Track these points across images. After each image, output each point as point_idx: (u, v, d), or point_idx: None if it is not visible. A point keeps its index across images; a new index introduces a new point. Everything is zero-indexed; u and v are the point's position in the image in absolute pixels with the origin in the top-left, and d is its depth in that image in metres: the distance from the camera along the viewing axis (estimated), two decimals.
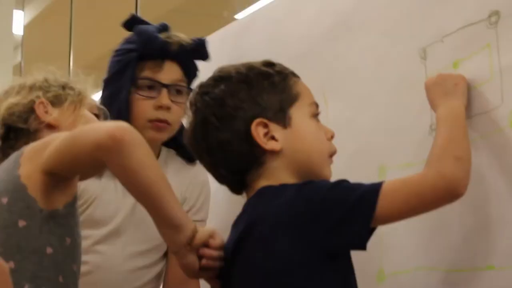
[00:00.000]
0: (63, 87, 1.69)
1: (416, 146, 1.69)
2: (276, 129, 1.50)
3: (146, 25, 2.06)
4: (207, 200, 2.13)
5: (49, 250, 1.44)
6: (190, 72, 2.07)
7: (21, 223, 1.42)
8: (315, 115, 1.56)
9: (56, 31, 7.22)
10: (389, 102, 1.77)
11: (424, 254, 1.64)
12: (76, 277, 1.50)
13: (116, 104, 1.97)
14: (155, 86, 2.00)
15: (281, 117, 1.51)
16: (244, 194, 1.56)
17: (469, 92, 1.57)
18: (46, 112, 1.64)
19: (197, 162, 2.02)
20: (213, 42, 2.39)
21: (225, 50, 2.32)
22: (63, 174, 1.47)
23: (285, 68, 1.58)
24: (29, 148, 1.50)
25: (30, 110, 1.64)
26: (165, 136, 2.02)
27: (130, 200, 1.90)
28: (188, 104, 1.59)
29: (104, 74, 2.10)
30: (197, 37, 2.07)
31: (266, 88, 1.53)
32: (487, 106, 1.54)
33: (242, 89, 1.52)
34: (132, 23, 2.07)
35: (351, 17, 1.91)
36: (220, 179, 1.57)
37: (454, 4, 1.64)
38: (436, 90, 1.57)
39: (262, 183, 1.50)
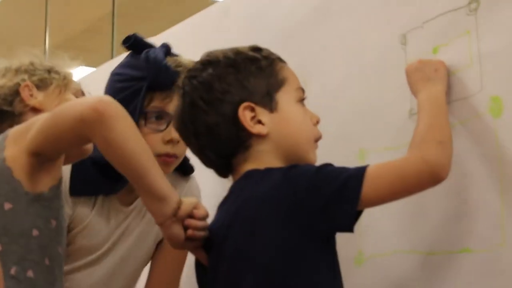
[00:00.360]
0: (49, 71, 1.70)
1: (395, 130, 1.71)
2: (262, 113, 1.52)
3: (150, 48, 1.95)
4: None
5: (35, 232, 1.44)
6: None
7: (7, 206, 1.43)
8: (301, 100, 1.58)
9: (31, 8, 7.17)
10: (369, 86, 1.79)
11: (402, 238, 1.67)
12: (61, 260, 1.51)
13: None
14: (164, 117, 1.89)
15: (268, 102, 1.53)
16: (230, 177, 1.58)
17: (449, 78, 1.59)
18: (31, 95, 1.66)
19: (191, 176, 2.04)
20: (192, 25, 2.40)
21: (204, 33, 2.33)
22: (48, 153, 1.47)
23: (272, 53, 1.60)
24: (13, 131, 1.50)
25: (15, 93, 1.66)
26: (172, 169, 1.93)
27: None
28: (176, 88, 1.61)
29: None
30: None
31: (254, 72, 1.54)
32: (466, 92, 1.57)
33: (230, 73, 1.54)
34: (135, 44, 1.96)
35: (331, 1, 1.92)
36: (207, 162, 1.59)
37: None
38: (416, 75, 1.59)
39: (248, 166, 1.52)
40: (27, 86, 1.66)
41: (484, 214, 1.50)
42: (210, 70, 1.55)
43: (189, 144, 1.60)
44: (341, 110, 1.83)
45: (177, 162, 1.92)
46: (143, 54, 1.90)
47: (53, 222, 1.48)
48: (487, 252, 1.49)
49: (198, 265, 1.58)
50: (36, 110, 1.65)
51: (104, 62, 2.98)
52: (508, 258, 1.45)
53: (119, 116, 1.41)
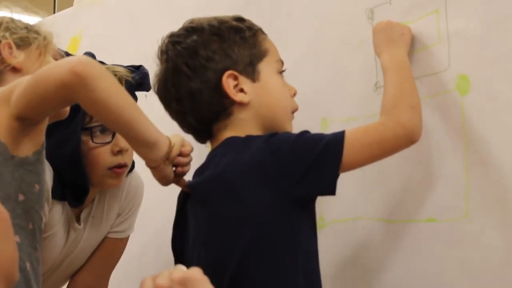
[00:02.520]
0: (28, 29, 1.66)
1: (360, 102, 1.77)
2: (245, 82, 1.56)
3: None
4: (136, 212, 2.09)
5: (21, 197, 1.44)
6: None
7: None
8: (281, 72, 1.63)
9: None
10: (334, 57, 1.84)
11: (365, 204, 1.74)
12: (41, 223, 1.51)
13: (67, 153, 1.82)
14: (108, 129, 1.83)
15: (250, 71, 1.57)
16: (208, 144, 1.62)
17: (417, 53, 1.66)
18: (11, 54, 1.62)
19: (132, 173, 2.00)
20: None
21: None
22: (32, 117, 1.46)
23: (254, 24, 1.64)
24: None
25: None
26: (123, 179, 1.90)
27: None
28: (158, 52, 1.62)
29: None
30: (132, 66, 1.94)
31: (238, 42, 1.58)
32: (434, 69, 1.64)
33: (214, 41, 1.57)
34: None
35: None
36: (187, 127, 1.61)
37: None
38: (382, 36, 1.66)
39: (228, 133, 1.56)
40: (8, 44, 1.62)
41: (449, 185, 1.59)
42: (194, 37, 1.58)
43: (169, 108, 1.62)
44: (303, 79, 1.87)
45: (127, 171, 1.91)
46: None
47: (37, 187, 1.48)
48: (451, 221, 1.58)
49: (177, 226, 1.63)
50: (15, 70, 1.62)
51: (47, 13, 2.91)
52: (471, 229, 1.54)
53: (100, 75, 1.40)
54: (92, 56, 1.93)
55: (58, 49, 1.80)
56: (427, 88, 1.63)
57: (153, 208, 2.18)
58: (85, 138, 1.82)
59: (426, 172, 1.63)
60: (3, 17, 1.68)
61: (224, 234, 1.48)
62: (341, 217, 1.78)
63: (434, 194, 1.61)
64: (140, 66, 1.93)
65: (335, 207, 1.78)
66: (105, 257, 2.03)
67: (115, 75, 1.82)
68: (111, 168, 1.84)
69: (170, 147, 1.49)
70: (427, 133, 1.60)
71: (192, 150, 1.57)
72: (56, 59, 1.71)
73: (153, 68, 1.81)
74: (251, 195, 1.46)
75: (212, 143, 1.61)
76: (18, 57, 1.62)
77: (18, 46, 1.64)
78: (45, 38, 1.67)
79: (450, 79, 1.60)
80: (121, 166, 1.86)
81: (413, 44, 1.66)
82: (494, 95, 1.53)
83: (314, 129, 1.75)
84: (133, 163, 1.96)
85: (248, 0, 2.05)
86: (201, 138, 1.63)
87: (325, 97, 1.84)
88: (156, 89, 1.64)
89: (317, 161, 1.45)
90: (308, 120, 1.84)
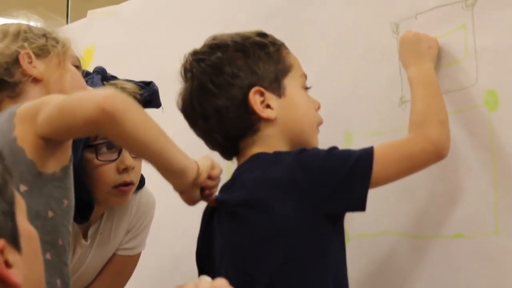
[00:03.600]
0: (46, 36, 1.64)
1: (384, 116, 1.77)
2: (271, 98, 1.56)
3: (85, 75, 1.84)
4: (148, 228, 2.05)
5: (50, 214, 1.43)
6: None
7: (23, 188, 1.40)
8: (305, 86, 1.62)
9: None
10: (357, 70, 1.84)
11: (390, 219, 1.73)
12: (70, 237, 1.50)
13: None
14: (114, 146, 1.79)
15: (276, 87, 1.57)
16: (234, 160, 1.62)
17: (445, 68, 1.66)
18: (31, 63, 1.60)
19: (142, 189, 1.98)
20: None
21: (172, 9, 2.31)
22: (58, 139, 1.45)
23: (277, 39, 1.64)
24: (21, 110, 1.46)
25: (14, 61, 1.58)
26: (129, 197, 1.87)
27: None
28: (182, 70, 1.61)
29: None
30: (143, 82, 1.91)
31: (262, 58, 1.58)
32: (461, 84, 1.63)
33: (239, 57, 1.57)
34: None
35: None
36: (213, 145, 1.61)
37: None
38: (409, 48, 1.66)
39: (255, 150, 1.56)
40: (27, 54, 1.59)
41: (477, 201, 1.59)
42: (219, 54, 1.58)
43: (195, 126, 1.61)
44: (326, 92, 1.86)
45: (134, 189, 1.88)
46: None
47: (65, 202, 1.47)
48: (480, 238, 1.57)
49: (203, 239, 1.62)
50: (36, 81, 1.59)
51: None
52: (501, 245, 1.54)
53: (126, 109, 1.39)
54: (103, 70, 1.91)
55: (77, 56, 1.79)
56: (455, 103, 1.63)
57: (168, 223, 2.16)
58: (90, 155, 1.79)
59: (453, 188, 1.62)
60: (20, 26, 1.64)
61: (254, 248, 1.48)
62: (366, 231, 1.77)
63: (461, 210, 1.61)
64: (151, 82, 1.91)
65: (360, 221, 1.77)
66: (115, 274, 2.00)
67: (123, 91, 1.79)
68: (116, 186, 1.81)
69: (198, 173, 1.48)
70: (454, 148, 1.60)
71: (221, 172, 1.55)
72: (75, 66, 1.70)
73: (166, 82, 1.81)
74: (282, 210, 1.46)
75: (238, 159, 1.61)
76: (38, 68, 1.60)
77: (38, 56, 1.61)
78: (63, 45, 1.65)
79: (478, 95, 1.60)
80: (127, 184, 1.82)
81: (440, 59, 1.66)
82: None
83: (337, 143, 1.74)
84: (143, 179, 1.94)
85: (268, 13, 2.04)
86: (228, 154, 1.63)
87: (348, 111, 1.84)
88: (180, 107, 1.63)
89: (347, 177, 1.46)
90: (331, 134, 1.83)
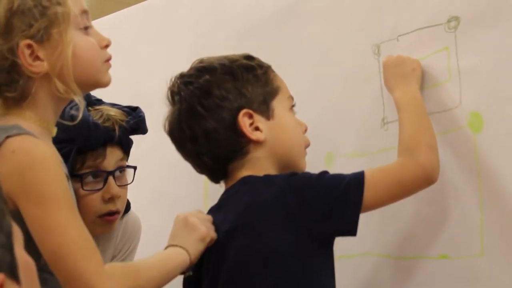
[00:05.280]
0: (42, 7, 1.38)
1: (367, 137, 1.77)
2: (260, 120, 1.57)
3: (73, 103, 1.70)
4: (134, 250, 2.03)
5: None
6: (129, 147, 1.86)
7: None
8: (292, 108, 1.63)
9: None
10: (339, 91, 1.83)
11: (373, 240, 1.73)
12: None
13: None
14: (99, 175, 1.78)
15: (265, 109, 1.58)
16: (222, 183, 1.61)
17: (428, 89, 1.66)
18: (35, 56, 1.37)
19: (128, 213, 1.94)
20: (136, 13, 2.34)
21: (150, 22, 2.30)
22: None
23: (263, 62, 1.65)
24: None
25: (12, 63, 1.37)
26: (115, 226, 1.83)
27: None
28: (168, 93, 1.60)
29: None
30: (129, 108, 1.85)
31: (250, 80, 1.59)
32: (444, 106, 1.64)
33: (227, 80, 1.57)
34: None
35: (296, 4, 1.94)
36: (201, 167, 1.61)
37: (412, 6, 1.71)
38: (393, 71, 1.67)
39: (244, 172, 1.56)
40: (27, 45, 1.35)
41: (463, 222, 1.59)
42: (207, 77, 1.57)
43: (183, 149, 1.61)
44: (308, 113, 1.84)
45: (119, 217, 1.84)
46: (65, 113, 1.60)
47: None
48: (465, 259, 1.58)
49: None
50: (43, 76, 1.39)
51: None
52: (486, 266, 1.55)
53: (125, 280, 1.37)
54: (88, 95, 1.82)
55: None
56: (439, 125, 1.63)
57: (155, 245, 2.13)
58: (75, 185, 1.74)
59: (439, 209, 1.63)
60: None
61: (245, 272, 1.48)
62: (348, 252, 1.76)
63: (446, 231, 1.62)
64: (137, 108, 1.87)
65: (343, 242, 1.74)
66: None
67: (109, 119, 1.78)
68: (101, 216, 1.78)
69: (191, 258, 1.48)
70: (440, 169, 1.60)
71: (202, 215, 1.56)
72: (83, 10, 1.44)
73: (143, 103, 1.79)
74: (273, 233, 1.47)
75: (226, 182, 1.61)
76: (43, 59, 1.38)
77: (39, 42, 1.37)
78: (63, 13, 1.38)
79: (462, 116, 1.61)
80: (113, 213, 1.79)
81: (423, 80, 1.67)
82: (508, 133, 1.55)
83: (319, 164, 1.76)
84: (129, 204, 1.91)
85: (247, 33, 2.03)
86: (216, 177, 1.63)
87: (330, 132, 1.84)
88: (167, 131, 1.62)
89: (339, 202, 1.47)
90: (312, 154, 1.81)
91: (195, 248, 1.49)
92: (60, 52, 1.38)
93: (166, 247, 1.51)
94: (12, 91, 1.39)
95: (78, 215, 1.34)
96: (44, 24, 1.37)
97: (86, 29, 1.44)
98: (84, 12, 1.44)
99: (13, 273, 0.79)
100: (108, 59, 1.47)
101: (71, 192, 1.40)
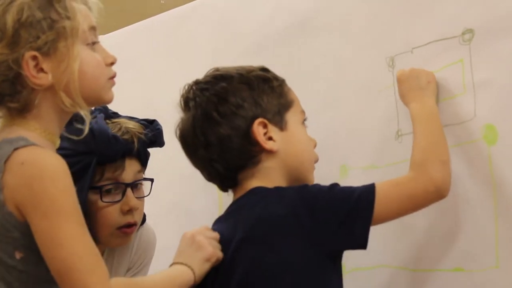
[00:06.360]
0: (51, 20, 1.37)
1: (381, 150, 1.77)
2: (274, 131, 1.58)
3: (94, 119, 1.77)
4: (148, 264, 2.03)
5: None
6: (147, 159, 1.88)
7: (18, 255, 1.34)
8: (303, 122, 1.65)
9: None
10: (353, 104, 1.84)
11: (387, 252, 1.73)
12: None
13: None
14: (118, 188, 1.80)
15: (279, 120, 1.59)
16: (230, 192, 1.62)
17: (442, 102, 1.66)
18: (39, 68, 1.37)
19: (143, 226, 1.94)
20: (151, 27, 2.35)
21: (164, 37, 2.31)
22: None
23: (278, 76, 1.66)
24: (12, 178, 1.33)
25: (16, 75, 1.36)
26: (132, 237, 1.86)
27: None
28: (182, 99, 1.60)
29: None
30: (146, 121, 1.87)
31: (266, 91, 1.60)
32: (459, 118, 1.64)
33: (244, 89, 1.58)
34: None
35: (308, 18, 1.95)
36: (212, 175, 1.61)
37: (426, 18, 1.72)
38: (409, 83, 1.66)
39: (254, 183, 1.57)
40: (32, 57, 1.35)
41: (477, 235, 1.59)
42: (223, 84, 1.58)
43: (195, 155, 1.61)
44: (323, 126, 1.86)
45: (136, 230, 1.87)
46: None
47: None
48: (480, 272, 1.57)
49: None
50: (47, 88, 1.38)
51: None
52: (500, 280, 1.54)
53: None
54: (105, 108, 1.84)
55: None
56: (453, 137, 1.63)
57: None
58: (94, 197, 1.77)
59: (453, 221, 1.63)
60: (14, 13, 1.35)
61: (255, 285, 1.48)
62: (362, 265, 1.76)
63: (461, 244, 1.61)
64: (154, 121, 1.89)
65: (356, 254, 1.75)
66: None
67: (127, 131, 1.80)
68: (119, 228, 1.80)
69: (194, 274, 1.50)
70: (454, 181, 1.59)
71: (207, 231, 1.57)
72: (92, 26, 1.44)
73: (155, 114, 1.79)
74: (284, 246, 1.47)
75: (235, 192, 1.61)
76: (47, 71, 1.37)
77: (44, 54, 1.37)
78: (72, 27, 1.38)
79: (477, 129, 1.61)
80: (131, 225, 1.81)
81: (437, 93, 1.67)
82: None
83: (333, 176, 1.76)
84: (144, 216, 1.92)
85: (260, 48, 2.04)
86: (226, 185, 1.63)
87: (344, 144, 1.84)
88: (180, 136, 1.63)
89: (349, 215, 1.46)
90: (327, 166, 1.83)
91: (201, 267, 1.50)
92: (66, 66, 1.37)
93: (172, 264, 1.52)
94: (15, 102, 1.38)
95: (85, 228, 1.33)
96: (51, 37, 1.37)
97: (93, 44, 1.44)
98: (92, 28, 1.44)
99: None
100: (112, 77, 1.46)
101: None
